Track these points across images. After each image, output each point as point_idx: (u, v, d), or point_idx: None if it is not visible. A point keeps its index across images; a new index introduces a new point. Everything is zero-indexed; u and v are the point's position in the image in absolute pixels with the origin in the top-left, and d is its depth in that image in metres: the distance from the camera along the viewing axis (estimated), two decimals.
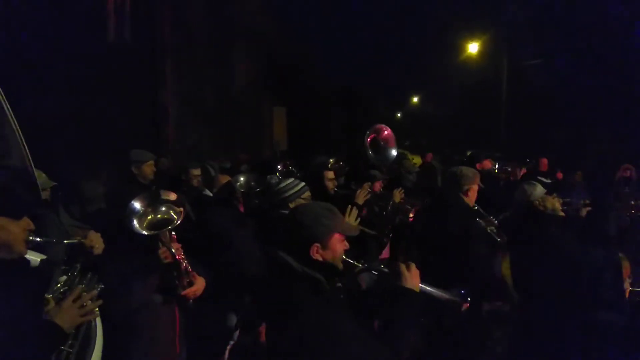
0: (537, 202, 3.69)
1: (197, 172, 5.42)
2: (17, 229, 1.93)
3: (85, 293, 2.01)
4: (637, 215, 4.85)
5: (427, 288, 2.17)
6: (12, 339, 1.74)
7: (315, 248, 2.05)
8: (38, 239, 2.05)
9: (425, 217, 4.38)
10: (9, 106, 1.84)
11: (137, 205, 2.50)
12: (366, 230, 2.63)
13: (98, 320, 2.10)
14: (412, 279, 2.09)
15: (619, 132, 14.36)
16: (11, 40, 6.56)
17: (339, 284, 2.22)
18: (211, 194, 5.10)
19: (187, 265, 2.49)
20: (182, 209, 2.61)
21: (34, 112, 5.81)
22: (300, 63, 17.22)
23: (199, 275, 2.59)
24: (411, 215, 4.75)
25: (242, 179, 4.40)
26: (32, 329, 1.83)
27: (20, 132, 1.87)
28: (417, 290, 2.09)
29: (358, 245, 2.73)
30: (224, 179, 4.58)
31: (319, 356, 1.86)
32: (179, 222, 2.51)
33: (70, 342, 1.96)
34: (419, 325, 2.08)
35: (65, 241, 2.24)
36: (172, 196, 2.66)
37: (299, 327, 1.91)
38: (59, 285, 2.05)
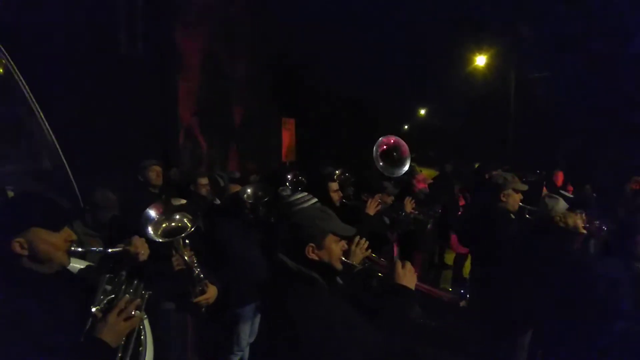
0: (558, 217, 3.56)
1: (204, 181, 5.42)
2: (57, 241, 1.89)
3: (131, 303, 1.92)
4: None
5: (425, 286, 2.33)
6: (62, 357, 1.70)
7: (310, 248, 2.11)
8: (80, 249, 2.01)
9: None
10: (38, 106, 1.84)
11: (152, 212, 2.53)
12: (374, 258, 2.64)
13: (146, 323, 2.06)
14: (408, 277, 2.21)
15: (628, 144, 14.26)
16: (22, 51, 6.63)
17: (340, 282, 2.32)
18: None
19: (200, 273, 2.50)
20: (195, 217, 2.62)
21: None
22: (308, 75, 17.32)
23: (212, 283, 2.59)
24: (429, 226, 4.77)
25: (249, 190, 4.41)
26: (80, 347, 1.77)
27: (51, 133, 1.85)
28: (413, 288, 2.20)
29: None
30: (235, 188, 4.60)
31: (313, 349, 1.94)
32: (192, 229, 2.53)
33: (120, 355, 1.87)
34: (413, 320, 2.16)
35: (109, 250, 2.17)
36: (182, 201, 2.71)
37: (295, 322, 1.98)
38: (104, 296, 1.98)
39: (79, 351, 1.76)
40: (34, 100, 1.90)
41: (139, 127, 8.70)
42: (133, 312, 1.88)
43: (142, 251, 2.17)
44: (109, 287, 1.99)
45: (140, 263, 2.15)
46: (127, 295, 1.97)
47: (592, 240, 3.66)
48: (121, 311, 1.85)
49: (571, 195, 5.10)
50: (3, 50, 1.93)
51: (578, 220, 3.57)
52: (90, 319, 1.85)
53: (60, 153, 1.94)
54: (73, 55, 7.44)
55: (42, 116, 1.92)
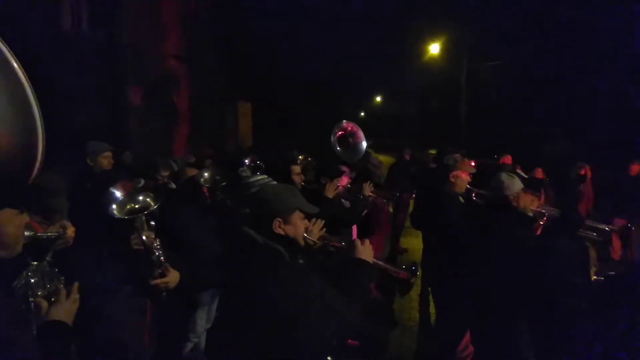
0: (512, 196, 3.50)
1: (166, 172, 5.24)
2: (21, 223, 1.81)
3: (74, 287, 1.94)
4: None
5: (380, 263, 2.47)
6: (34, 342, 1.70)
7: (278, 223, 2.19)
8: (40, 234, 1.99)
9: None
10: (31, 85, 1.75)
11: (116, 192, 2.46)
12: (328, 237, 2.69)
13: None
14: (366, 253, 2.33)
15: (574, 130, 14.88)
16: None
17: (300, 260, 2.38)
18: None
19: (160, 255, 2.42)
20: (158, 195, 2.56)
21: None
22: (265, 59, 17.09)
23: (175, 268, 2.52)
24: (392, 209, 4.81)
25: (206, 174, 4.31)
26: (45, 330, 1.80)
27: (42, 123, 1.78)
28: (370, 262, 2.33)
29: None
30: (191, 172, 4.49)
31: (280, 316, 1.99)
32: (153, 208, 2.47)
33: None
34: (368, 289, 2.48)
35: (58, 233, 2.14)
36: (141, 181, 2.64)
37: (260, 290, 2.04)
38: (33, 281, 1.94)
39: (44, 333, 1.79)
40: (28, 81, 1.80)
41: (86, 108, 8.36)
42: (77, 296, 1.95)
43: (73, 236, 2.19)
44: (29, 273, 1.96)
45: (65, 249, 2.15)
46: (76, 283, 1.97)
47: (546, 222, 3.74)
48: (69, 294, 1.91)
49: (527, 177, 5.24)
50: None
51: (528, 203, 3.55)
52: (34, 306, 1.86)
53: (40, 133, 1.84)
54: (15, 34, 7.02)
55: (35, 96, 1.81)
